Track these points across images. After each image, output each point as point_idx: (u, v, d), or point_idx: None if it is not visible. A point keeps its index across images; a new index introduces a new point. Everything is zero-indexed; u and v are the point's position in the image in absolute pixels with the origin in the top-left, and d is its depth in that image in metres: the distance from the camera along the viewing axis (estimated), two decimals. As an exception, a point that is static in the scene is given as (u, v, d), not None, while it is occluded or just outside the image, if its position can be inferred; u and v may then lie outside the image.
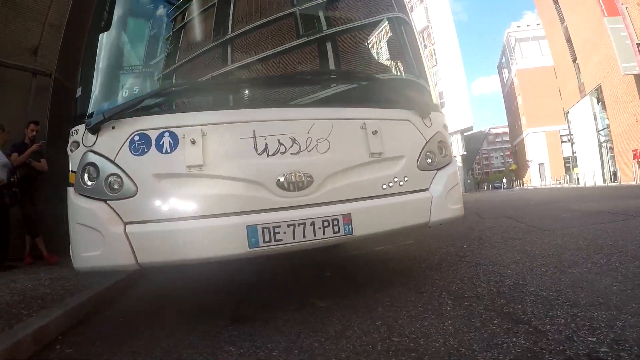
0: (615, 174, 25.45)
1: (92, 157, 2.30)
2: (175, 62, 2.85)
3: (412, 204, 2.66)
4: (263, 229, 2.23)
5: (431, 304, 2.51)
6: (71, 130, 2.45)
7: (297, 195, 2.35)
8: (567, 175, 36.65)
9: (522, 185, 50.19)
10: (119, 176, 2.24)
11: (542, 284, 2.71)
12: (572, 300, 2.32)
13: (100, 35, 2.61)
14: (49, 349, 2.39)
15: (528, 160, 49.85)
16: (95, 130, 2.30)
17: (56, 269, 4.70)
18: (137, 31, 2.92)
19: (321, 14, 3.09)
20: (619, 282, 2.57)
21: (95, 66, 2.54)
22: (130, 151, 2.27)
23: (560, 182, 38.08)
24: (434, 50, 42.76)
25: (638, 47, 22.02)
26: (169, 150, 2.28)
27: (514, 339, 1.84)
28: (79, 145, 2.36)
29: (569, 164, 39.70)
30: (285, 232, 2.25)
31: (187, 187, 2.27)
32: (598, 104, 27.88)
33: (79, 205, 2.27)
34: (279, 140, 2.36)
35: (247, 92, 2.67)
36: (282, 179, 2.32)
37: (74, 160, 2.36)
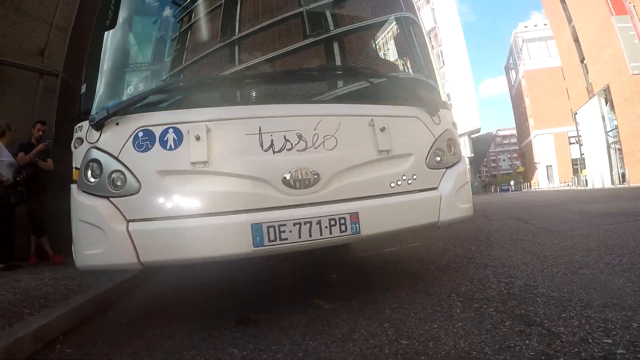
0: (624, 175, 25.16)
1: (95, 154, 2.27)
2: (180, 59, 2.84)
3: (420, 203, 2.60)
4: (268, 227, 2.17)
5: (440, 305, 2.45)
6: (75, 127, 2.43)
7: (303, 193, 2.30)
8: (575, 177, 36.29)
9: (530, 187, 49.76)
10: (122, 173, 2.21)
11: (553, 285, 2.65)
12: (585, 301, 2.26)
13: (105, 33, 2.59)
14: (49, 348, 2.36)
15: (536, 163, 49.45)
16: (99, 126, 2.28)
17: (61, 269, 4.68)
18: (141, 29, 2.92)
19: (328, 12, 3.06)
20: (632, 283, 2.52)
21: (100, 63, 2.53)
22: (134, 147, 2.24)
23: (568, 184, 37.75)
24: (441, 51, 42.58)
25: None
26: (173, 147, 2.24)
27: (527, 342, 1.79)
28: (82, 142, 2.33)
29: (577, 165, 39.31)
30: (291, 231, 2.20)
31: (191, 184, 2.23)
32: (606, 104, 27.60)
33: (81, 203, 2.24)
34: (285, 136, 2.32)
35: (252, 88, 2.64)
36: (288, 177, 2.27)
37: (77, 156, 2.33)
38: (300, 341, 2.10)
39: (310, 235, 2.23)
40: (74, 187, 2.32)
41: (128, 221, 2.16)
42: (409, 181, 2.59)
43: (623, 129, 24.90)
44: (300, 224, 2.22)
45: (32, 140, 5.55)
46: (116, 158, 2.24)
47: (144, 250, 2.12)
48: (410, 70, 3.21)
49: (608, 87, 26.11)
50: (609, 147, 27.60)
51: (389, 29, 3.26)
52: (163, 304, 3.39)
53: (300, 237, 2.22)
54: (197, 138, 2.23)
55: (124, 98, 2.42)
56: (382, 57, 3.34)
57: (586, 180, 31.21)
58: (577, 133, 34.92)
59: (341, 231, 2.29)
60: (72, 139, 2.41)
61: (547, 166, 47.55)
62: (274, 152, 2.29)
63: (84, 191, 2.26)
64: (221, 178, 2.25)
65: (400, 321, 2.24)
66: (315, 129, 2.39)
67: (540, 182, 48.02)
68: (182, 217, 2.18)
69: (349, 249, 5.11)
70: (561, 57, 36.98)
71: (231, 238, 2.17)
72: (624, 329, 1.81)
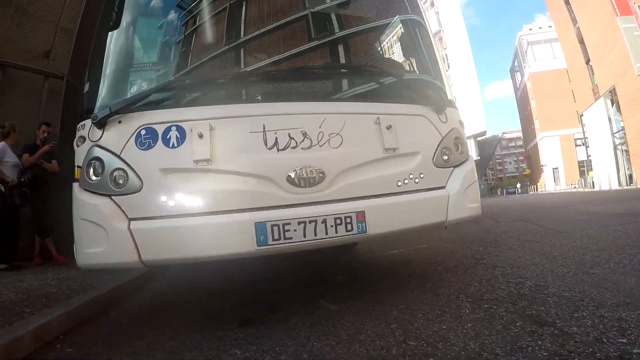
0: (631, 176, 24.95)
1: (97, 152, 2.24)
2: (183, 58, 2.83)
3: (428, 202, 2.55)
4: (272, 226, 2.13)
5: (449, 306, 2.39)
6: (78, 126, 2.41)
7: (308, 192, 2.25)
8: (582, 179, 36.04)
9: (537, 190, 49.49)
10: (124, 171, 2.18)
11: (564, 285, 2.59)
12: (598, 300, 2.20)
13: (109, 33, 2.57)
14: (49, 348, 2.33)
15: (542, 165, 49.15)
16: (101, 124, 2.25)
17: (64, 269, 4.67)
18: (145, 28, 2.90)
19: (333, 13, 3.05)
20: (645, 282, 2.45)
21: (103, 62, 2.50)
22: (137, 145, 2.21)
23: (575, 187, 37.49)
24: (446, 55, 42.36)
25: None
26: (175, 145, 2.21)
27: (539, 342, 1.73)
28: (85, 140, 2.31)
29: (584, 167, 39.06)
30: (295, 230, 2.15)
31: (193, 182, 2.19)
32: (612, 105, 27.42)
33: (83, 201, 2.21)
34: (289, 134, 2.28)
35: (256, 86, 2.61)
36: (292, 175, 2.23)
37: (80, 155, 2.31)
38: (304, 342, 2.05)
39: (316, 235, 2.18)
40: (75, 185, 2.29)
41: (130, 219, 2.12)
42: (416, 180, 2.54)
43: (630, 130, 24.70)
44: (305, 222, 2.17)
45: (37, 141, 5.56)
46: (118, 156, 2.21)
47: (146, 249, 2.08)
48: (416, 69, 3.17)
49: (614, 88, 25.94)
50: (615, 148, 27.40)
51: (394, 29, 3.22)
52: (166, 304, 3.36)
53: (305, 237, 2.17)
54: (200, 136, 2.20)
55: (127, 97, 2.39)
56: (388, 57, 3.31)
57: (593, 182, 30.99)
58: (584, 135, 34.71)
59: (347, 230, 2.24)
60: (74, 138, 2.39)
61: (553, 168, 47.24)
62: (278, 150, 2.25)
63: (85, 189, 2.23)
64: (224, 176, 2.21)
65: (408, 322, 2.18)
66: (320, 127, 2.35)
67: (547, 184, 47.73)
68: (185, 216, 2.14)
69: (355, 251, 5.07)
70: (566, 58, 36.85)
71: (234, 237, 2.13)
72: (639, 328, 1.76)
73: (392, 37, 3.24)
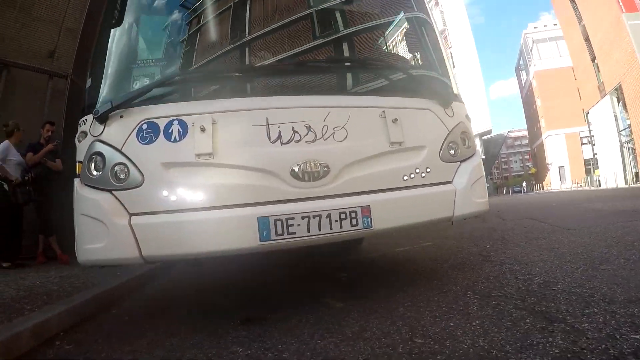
0: (637, 174, 24.72)
1: (98, 147, 2.21)
2: (186, 52, 2.81)
3: (435, 196, 2.50)
4: (275, 221, 2.08)
5: (456, 303, 2.34)
6: (80, 121, 2.39)
7: (312, 186, 2.20)
8: (588, 178, 35.75)
9: (542, 188, 49.15)
10: (125, 165, 2.14)
11: (574, 282, 2.53)
12: (609, 297, 2.15)
13: (111, 29, 2.55)
14: (48, 345, 2.30)
15: (548, 164, 48.80)
16: (103, 119, 2.23)
17: (68, 267, 4.66)
18: (147, 25, 2.88)
19: (337, 9, 3.00)
20: (656, 278, 2.40)
21: (106, 59, 2.48)
22: (138, 140, 2.17)
23: (581, 185, 37.22)
24: (451, 54, 42.16)
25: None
26: (177, 139, 2.17)
27: (550, 339, 1.68)
28: (86, 135, 2.28)
29: (590, 166, 38.70)
30: (299, 225, 2.11)
31: (195, 176, 2.15)
32: (619, 103, 27.12)
33: (83, 196, 2.18)
34: (293, 128, 2.23)
35: (259, 80, 2.57)
36: (296, 169, 2.18)
37: (81, 150, 2.29)
38: (308, 340, 2.00)
39: (320, 230, 2.13)
40: (76, 180, 2.27)
41: (130, 215, 2.09)
42: (423, 174, 2.49)
43: (636, 128, 24.42)
44: (309, 217, 2.13)
45: (41, 140, 5.57)
46: (119, 151, 2.17)
47: (146, 244, 2.05)
48: (422, 63, 3.13)
49: (620, 85, 25.65)
50: (622, 146, 27.11)
51: (399, 24, 3.18)
52: (168, 302, 3.33)
53: (309, 231, 2.12)
54: (203, 129, 2.16)
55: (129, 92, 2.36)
56: (393, 51, 3.26)
57: (599, 181, 30.73)
58: (590, 133, 34.37)
59: (352, 225, 2.19)
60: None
61: (559, 167, 46.90)
62: (281, 143, 2.21)
63: (86, 185, 2.20)
64: (227, 170, 2.17)
65: (414, 319, 2.14)
66: (324, 120, 2.30)
67: (553, 183, 47.41)
68: (186, 211, 2.10)
69: (360, 249, 5.02)
70: (572, 56, 36.50)
71: (236, 232, 2.09)
72: (653, 325, 1.70)
73: (398, 32, 3.20)
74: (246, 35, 2.82)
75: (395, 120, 2.45)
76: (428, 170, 2.50)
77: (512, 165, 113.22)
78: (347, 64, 2.90)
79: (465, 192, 2.56)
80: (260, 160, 2.18)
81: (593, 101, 31.27)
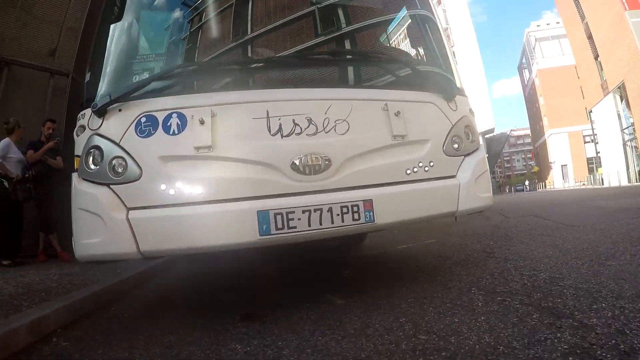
0: (640, 173, 24.56)
1: (97, 140, 2.18)
2: (185, 46, 2.80)
3: (438, 191, 2.45)
4: (275, 215, 2.04)
5: (460, 299, 2.29)
6: (78, 115, 2.36)
7: (313, 180, 2.16)
8: (591, 176, 35.60)
9: (545, 187, 48.97)
10: (123, 159, 2.11)
11: (580, 277, 2.49)
12: (616, 292, 2.10)
13: (110, 24, 2.53)
14: (45, 341, 2.27)
15: (550, 162, 48.63)
16: (101, 112, 2.20)
17: (68, 265, 4.64)
18: (146, 19, 2.86)
19: (340, 4, 2.96)
20: (665, 273, 2.35)
21: (105, 53, 2.46)
22: (136, 133, 2.14)
23: (583, 183, 37.07)
24: (454, 52, 41.89)
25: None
26: (176, 132, 2.13)
27: (558, 335, 1.63)
28: (84, 129, 2.25)
29: (593, 164, 38.58)
30: (299, 219, 2.06)
31: (194, 169, 2.11)
32: (622, 101, 26.95)
33: (81, 190, 2.14)
34: (294, 120, 2.19)
35: (259, 72, 2.54)
36: (297, 162, 2.14)
37: (79, 144, 2.26)
38: (309, 337, 1.96)
39: (321, 224, 2.09)
40: (74, 175, 2.24)
41: (128, 209, 2.05)
42: (426, 168, 2.44)
43: (639, 126, 24.29)
44: (310, 211, 2.08)
45: (42, 138, 5.54)
46: (117, 144, 2.14)
47: (144, 239, 2.01)
48: (424, 56, 3.08)
49: (623, 83, 25.49)
50: (625, 144, 26.95)
51: (402, 18, 3.13)
52: (167, 299, 3.31)
53: (309, 226, 2.07)
54: (202, 122, 2.12)
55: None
56: (396, 45, 3.22)
57: (602, 179, 30.59)
58: (593, 131, 34.22)
59: (354, 219, 2.15)
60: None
61: (562, 165, 46.72)
62: (282, 136, 2.17)
63: (84, 179, 2.17)
64: (226, 163, 2.13)
65: (418, 315, 2.09)
66: (326, 113, 2.26)
67: (555, 181, 47.23)
68: (184, 205, 2.06)
69: (362, 246, 4.98)
70: (575, 54, 36.36)
71: (236, 226, 2.04)
72: (663, 320, 1.66)
73: (400, 25, 3.15)
74: (247, 28, 2.78)
75: (398, 114, 2.40)
76: (431, 164, 2.46)
77: (514, 163, 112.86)
78: (348, 56, 2.87)
79: (469, 186, 2.51)
80: (260, 153, 2.14)
81: (596, 99, 31.13)
